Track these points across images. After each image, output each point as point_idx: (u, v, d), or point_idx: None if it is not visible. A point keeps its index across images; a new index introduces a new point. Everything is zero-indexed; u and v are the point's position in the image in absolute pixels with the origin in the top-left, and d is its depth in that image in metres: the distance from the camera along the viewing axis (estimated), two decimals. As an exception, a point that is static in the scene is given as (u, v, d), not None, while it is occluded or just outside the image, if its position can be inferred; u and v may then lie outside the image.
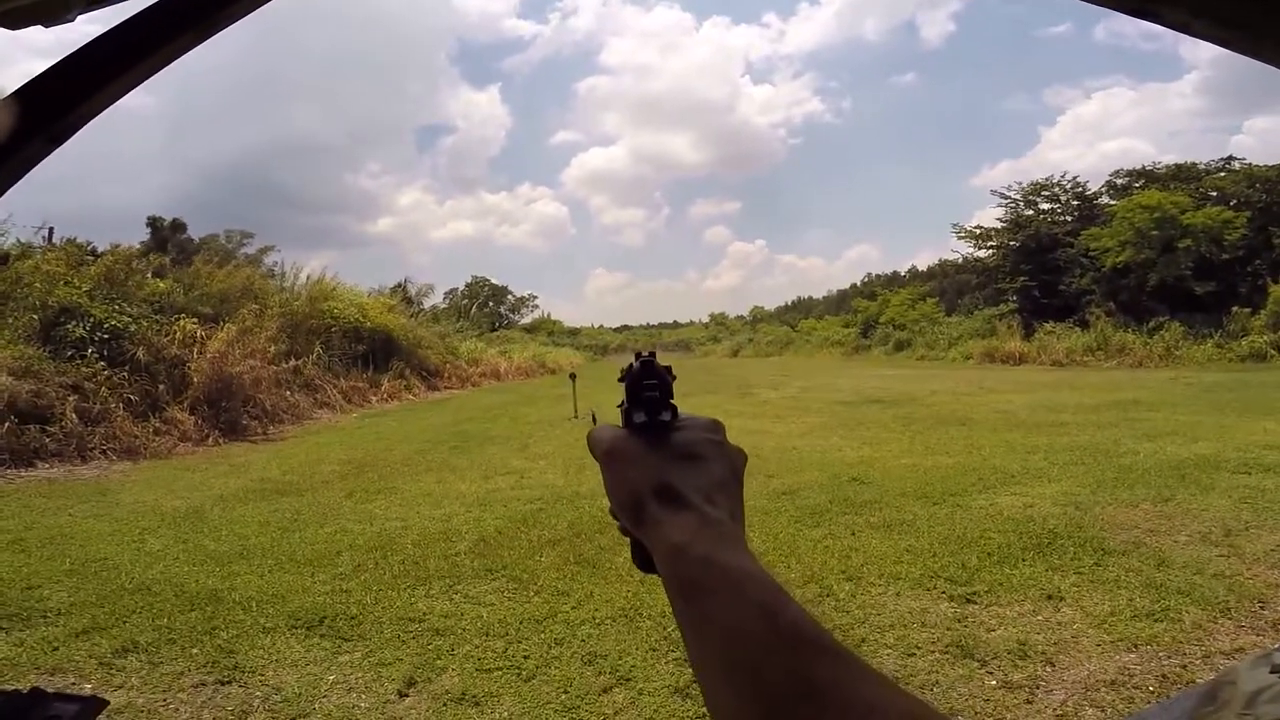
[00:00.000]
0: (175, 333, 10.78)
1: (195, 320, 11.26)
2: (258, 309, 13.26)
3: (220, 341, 10.94)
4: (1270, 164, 20.72)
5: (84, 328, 9.58)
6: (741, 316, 53.91)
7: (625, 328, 66.12)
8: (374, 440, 9.41)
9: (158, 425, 9.26)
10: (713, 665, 0.33)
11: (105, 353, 9.52)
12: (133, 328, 10.16)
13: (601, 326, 62.21)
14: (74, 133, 0.72)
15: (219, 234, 26.26)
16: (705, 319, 59.62)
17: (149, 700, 2.64)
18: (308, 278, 16.62)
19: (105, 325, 9.80)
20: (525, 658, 2.82)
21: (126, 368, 9.58)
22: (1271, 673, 0.61)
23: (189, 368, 10.38)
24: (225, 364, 10.65)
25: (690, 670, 2.60)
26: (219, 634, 3.15)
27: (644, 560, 0.42)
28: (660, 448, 0.42)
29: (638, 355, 0.45)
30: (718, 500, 0.39)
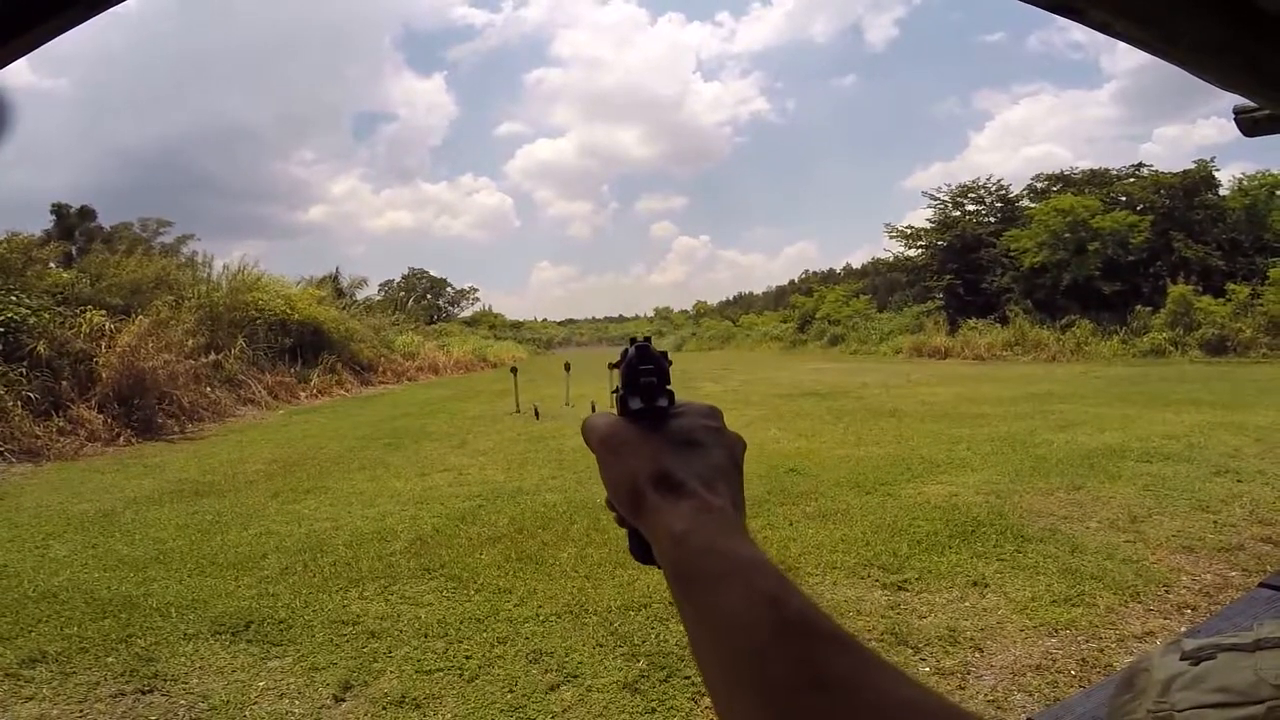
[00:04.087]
0: (81, 325, 10.05)
1: (103, 312, 10.52)
2: (173, 300, 12.51)
3: (131, 335, 10.25)
4: (1174, 171, 22.23)
5: (-26, 320, 8.84)
6: (685, 311, 54.36)
7: (570, 321, 65.69)
8: (302, 438, 9.04)
9: (62, 424, 8.62)
10: (718, 656, 0.32)
11: (0, 347, 8.80)
12: (32, 320, 9.42)
13: (545, 320, 61.68)
14: (11, 61, 0.68)
15: (133, 222, 24.61)
16: (650, 313, 59.82)
17: (64, 712, 2.48)
18: (224, 267, 15.76)
19: (-1, 318, 9.07)
20: (467, 658, 2.77)
21: (25, 363, 8.88)
22: (1182, 660, 0.64)
23: (96, 363, 9.69)
24: (137, 358, 9.99)
25: (639, 665, 2.62)
26: (136, 641, 2.97)
27: (643, 552, 0.41)
28: (657, 434, 0.41)
29: (632, 340, 0.43)
30: (718, 487, 0.38)
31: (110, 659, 2.84)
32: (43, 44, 0.73)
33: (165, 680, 2.67)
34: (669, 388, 0.43)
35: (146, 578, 3.79)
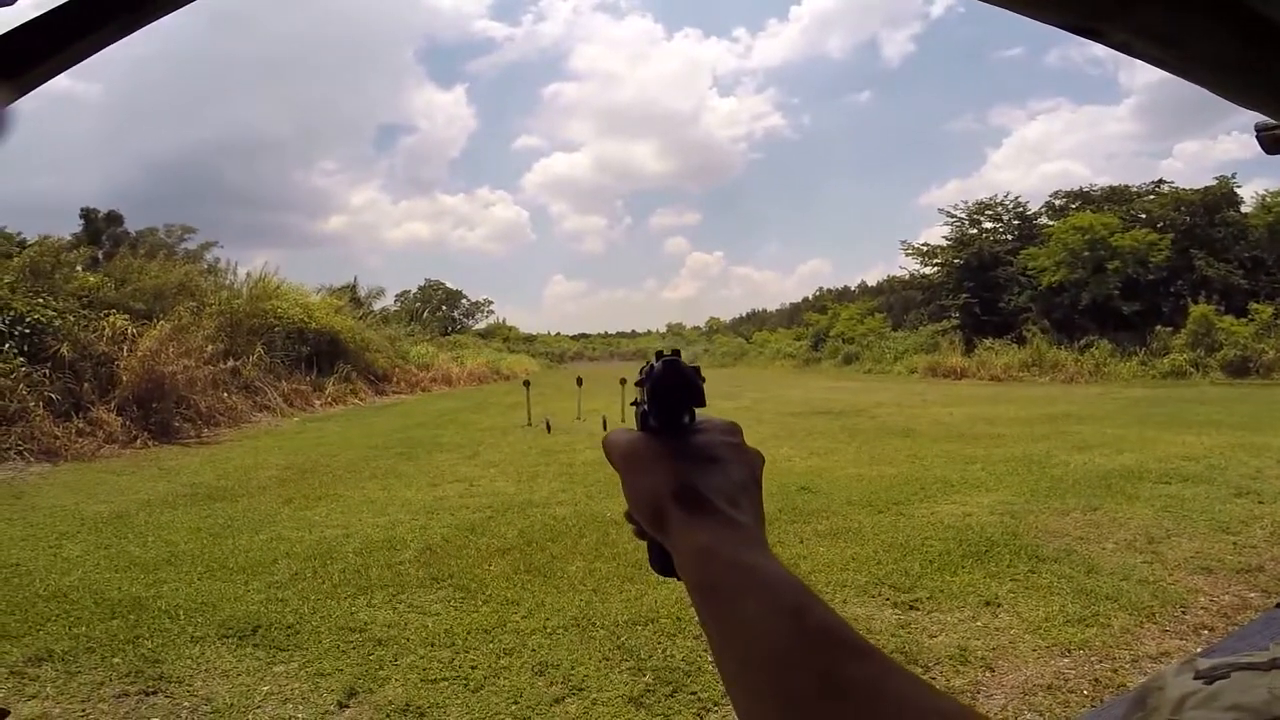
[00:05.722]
0: (104, 329, 10.23)
1: (127, 316, 10.72)
2: (195, 306, 12.71)
3: (153, 339, 10.43)
4: (1195, 187, 21.87)
5: (3, 322, 9.03)
6: (698, 327, 54.25)
7: (583, 336, 65.58)
8: (316, 445, 9.11)
9: (81, 426, 8.76)
10: (741, 665, 0.32)
11: (25, 348, 8.98)
12: (57, 323, 9.61)
13: (559, 334, 61.56)
14: (43, 82, 0.70)
15: (158, 228, 25.06)
16: (663, 329, 59.73)
17: (66, 710, 2.49)
18: (247, 275, 16.01)
19: (26, 319, 9.25)
20: (473, 668, 2.75)
21: (49, 365, 9.05)
22: (1196, 678, 0.63)
23: (118, 366, 9.86)
24: (157, 363, 10.16)
25: (646, 679, 2.59)
26: (143, 643, 2.99)
27: (663, 564, 0.41)
28: (679, 451, 0.41)
29: (659, 354, 0.42)
30: (740, 503, 0.39)
31: (116, 659, 2.86)
32: (81, 61, 0.75)
33: (170, 682, 2.68)
34: (694, 404, 0.42)
35: (157, 580, 3.82)
